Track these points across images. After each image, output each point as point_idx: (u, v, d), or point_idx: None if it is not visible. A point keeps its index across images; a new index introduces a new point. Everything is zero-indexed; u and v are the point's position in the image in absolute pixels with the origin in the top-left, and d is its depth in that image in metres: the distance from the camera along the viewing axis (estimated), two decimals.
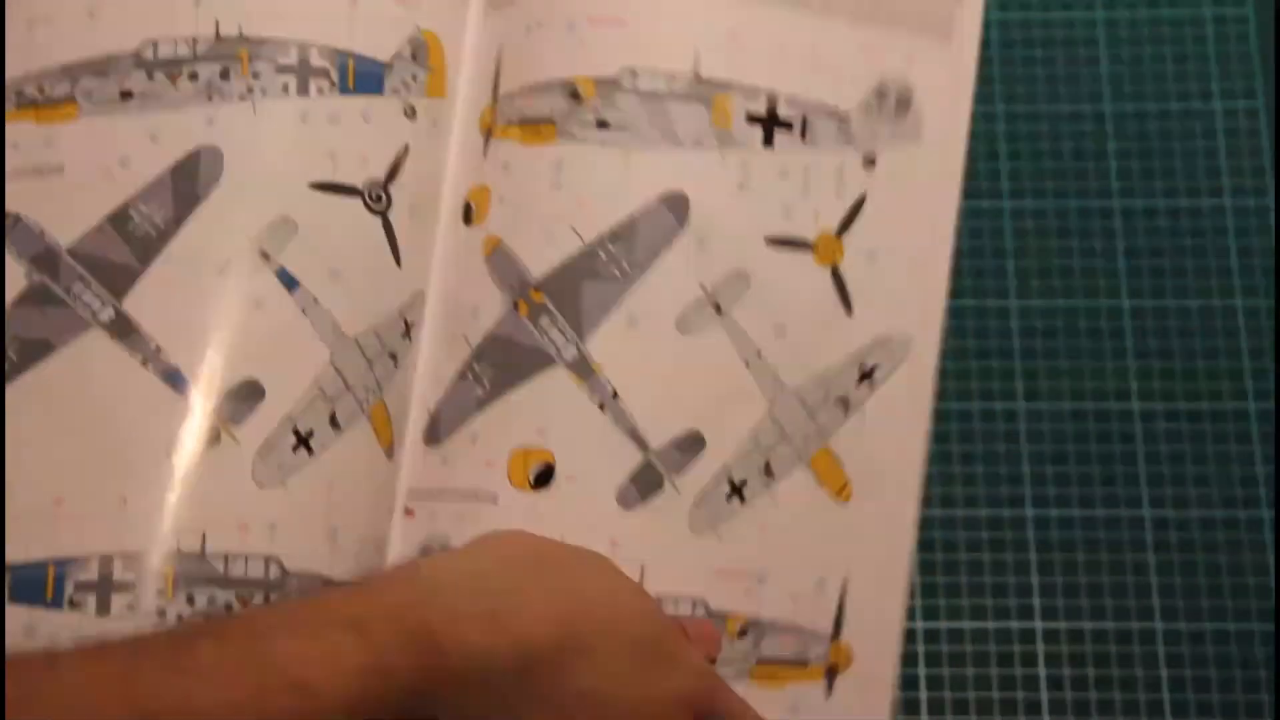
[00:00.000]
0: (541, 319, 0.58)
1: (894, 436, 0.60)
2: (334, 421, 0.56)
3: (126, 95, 0.57)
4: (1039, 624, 0.69)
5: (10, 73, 0.58)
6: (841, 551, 0.59)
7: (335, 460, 0.56)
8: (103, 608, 0.53)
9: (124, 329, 0.55)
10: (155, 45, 0.58)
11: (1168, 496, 0.70)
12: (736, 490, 0.58)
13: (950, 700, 0.67)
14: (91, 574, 0.53)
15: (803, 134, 0.59)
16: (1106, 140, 0.76)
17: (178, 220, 0.56)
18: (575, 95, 0.59)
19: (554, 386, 0.57)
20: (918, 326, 0.60)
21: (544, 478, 0.57)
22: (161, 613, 0.53)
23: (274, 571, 0.54)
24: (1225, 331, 0.73)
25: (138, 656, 0.44)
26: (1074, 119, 0.77)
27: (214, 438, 0.55)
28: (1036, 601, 0.69)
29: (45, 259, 0.56)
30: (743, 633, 0.57)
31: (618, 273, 0.58)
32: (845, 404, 0.59)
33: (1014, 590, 0.69)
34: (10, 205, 0.57)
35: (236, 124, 0.57)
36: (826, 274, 0.59)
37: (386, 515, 0.58)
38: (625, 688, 0.51)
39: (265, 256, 0.56)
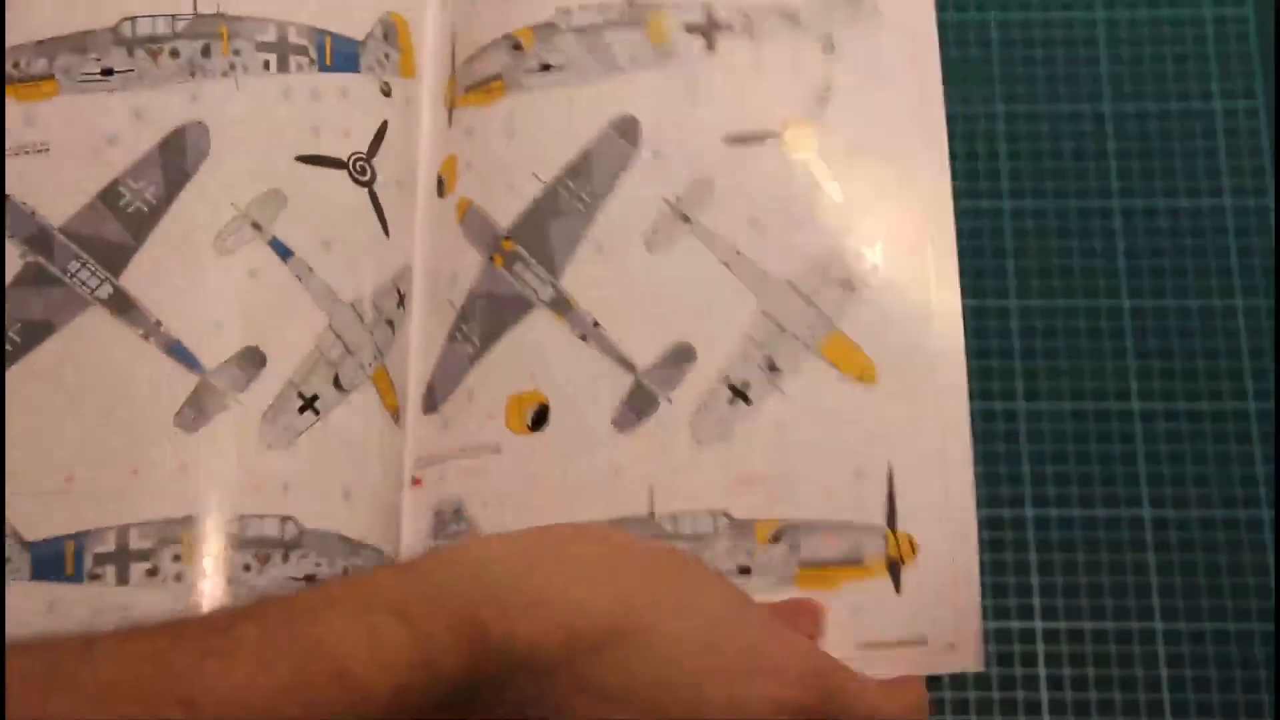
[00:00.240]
0: (516, 265, 0.58)
1: (918, 307, 0.56)
2: (338, 384, 0.57)
3: (107, 73, 0.58)
4: (1039, 624, 0.69)
5: None
6: (877, 437, 0.55)
7: (343, 421, 0.57)
8: (122, 578, 0.53)
9: (123, 305, 0.56)
10: (134, 22, 0.59)
11: (1168, 496, 0.70)
12: (739, 393, 0.56)
13: (950, 700, 0.67)
14: (109, 545, 0.53)
15: (748, 32, 0.59)
16: (1106, 140, 0.76)
17: (169, 196, 0.57)
18: (518, 47, 0.60)
19: (538, 328, 0.57)
20: (924, 204, 0.57)
21: (540, 418, 0.57)
22: (179, 577, 0.53)
23: (290, 531, 0.55)
24: (1225, 331, 0.73)
25: (176, 639, 0.43)
26: (1074, 119, 0.77)
27: (220, 405, 0.55)
28: (1036, 601, 0.69)
29: (39, 239, 0.56)
30: (776, 539, 0.55)
31: (580, 206, 0.58)
32: (849, 284, 0.57)
33: (1014, 590, 0.69)
34: None
35: (221, 100, 0.58)
36: (802, 161, 0.58)
37: (397, 483, 0.58)
38: (696, 689, 0.48)
39: (257, 228, 0.57)
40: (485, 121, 0.60)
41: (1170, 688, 0.67)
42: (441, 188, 0.61)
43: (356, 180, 0.59)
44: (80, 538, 0.54)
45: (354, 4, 0.61)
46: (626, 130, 0.59)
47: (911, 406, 0.55)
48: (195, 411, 0.55)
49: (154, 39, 0.58)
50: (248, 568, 0.54)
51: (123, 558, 0.53)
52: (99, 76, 0.58)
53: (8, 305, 0.56)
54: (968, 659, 0.53)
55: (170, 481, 0.54)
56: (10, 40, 0.59)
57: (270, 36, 0.59)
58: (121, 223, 0.57)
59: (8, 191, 0.57)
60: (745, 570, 0.54)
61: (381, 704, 0.43)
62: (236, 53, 0.59)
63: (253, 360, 0.56)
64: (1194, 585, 0.69)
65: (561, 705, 0.47)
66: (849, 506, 0.55)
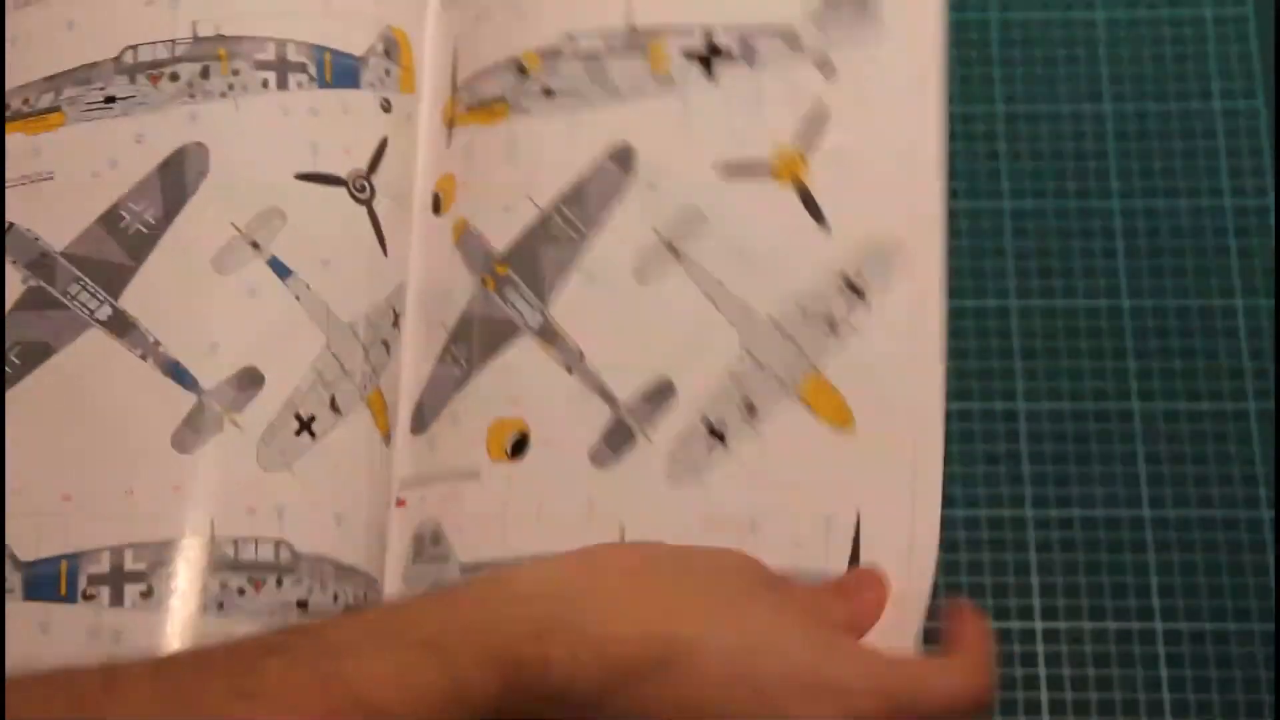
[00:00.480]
0: (507, 290, 0.58)
1: (901, 356, 0.55)
2: (334, 406, 0.57)
3: (110, 100, 0.58)
4: (1039, 624, 0.69)
5: None
6: (850, 485, 0.54)
7: (338, 445, 0.57)
8: (116, 599, 0.53)
9: (122, 326, 0.56)
10: (135, 50, 0.59)
11: (1168, 496, 0.70)
12: (716, 434, 0.55)
13: None
14: (103, 566, 0.53)
15: (747, 58, 0.59)
16: (1106, 140, 0.76)
17: (168, 216, 0.57)
18: (522, 70, 0.60)
19: (524, 355, 0.57)
20: (908, 230, 0.56)
21: (520, 446, 0.57)
22: (173, 599, 0.53)
23: (284, 555, 0.55)
24: (1225, 331, 0.73)
25: (201, 675, 0.43)
26: (1074, 119, 0.77)
27: (217, 425, 0.55)
28: (1036, 601, 0.69)
29: (40, 263, 0.57)
30: None
31: (573, 234, 0.58)
32: (832, 324, 0.56)
33: (1014, 590, 0.69)
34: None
35: (219, 120, 0.58)
36: (790, 190, 0.57)
37: (385, 506, 0.58)
38: (751, 715, 0.46)
39: (256, 247, 0.57)
40: (486, 142, 0.60)
41: (1170, 688, 0.67)
42: (437, 205, 0.61)
43: (356, 198, 0.59)
44: (74, 558, 0.53)
45: (354, 20, 0.61)
46: (621, 158, 0.58)
47: (885, 458, 0.54)
48: (192, 432, 0.55)
49: (155, 64, 0.59)
50: (242, 591, 0.54)
51: (117, 579, 0.53)
52: (102, 104, 0.58)
53: (8, 328, 0.56)
54: None
55: (165, 503, 0.54)
56: (22, 79, 0.59)
57: (269, 55, 0.59)
58: (121, 245, 0.57)
59: (13, 219, 0.57)
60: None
61: None
62: (235, 73, 0.59)
63: (251, 380, 0.56)
64: (1194, 585, 0.69)
65: None
66: (814, 555, 0.54)
